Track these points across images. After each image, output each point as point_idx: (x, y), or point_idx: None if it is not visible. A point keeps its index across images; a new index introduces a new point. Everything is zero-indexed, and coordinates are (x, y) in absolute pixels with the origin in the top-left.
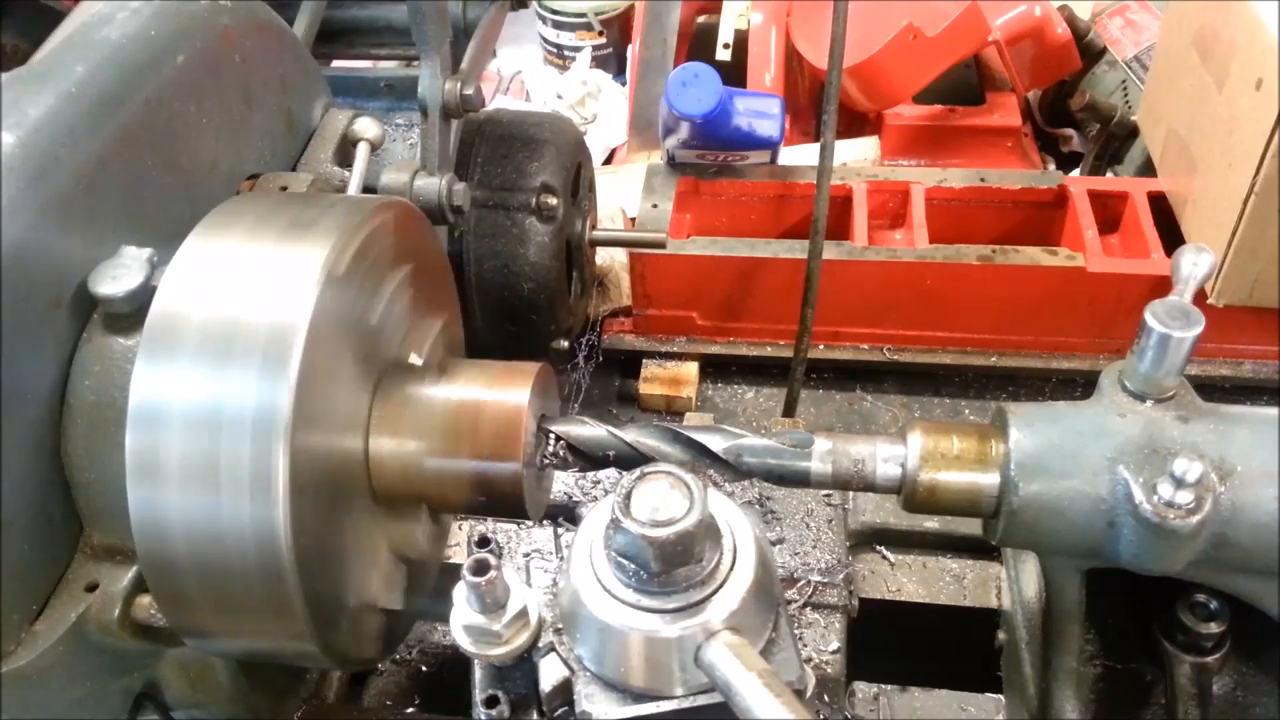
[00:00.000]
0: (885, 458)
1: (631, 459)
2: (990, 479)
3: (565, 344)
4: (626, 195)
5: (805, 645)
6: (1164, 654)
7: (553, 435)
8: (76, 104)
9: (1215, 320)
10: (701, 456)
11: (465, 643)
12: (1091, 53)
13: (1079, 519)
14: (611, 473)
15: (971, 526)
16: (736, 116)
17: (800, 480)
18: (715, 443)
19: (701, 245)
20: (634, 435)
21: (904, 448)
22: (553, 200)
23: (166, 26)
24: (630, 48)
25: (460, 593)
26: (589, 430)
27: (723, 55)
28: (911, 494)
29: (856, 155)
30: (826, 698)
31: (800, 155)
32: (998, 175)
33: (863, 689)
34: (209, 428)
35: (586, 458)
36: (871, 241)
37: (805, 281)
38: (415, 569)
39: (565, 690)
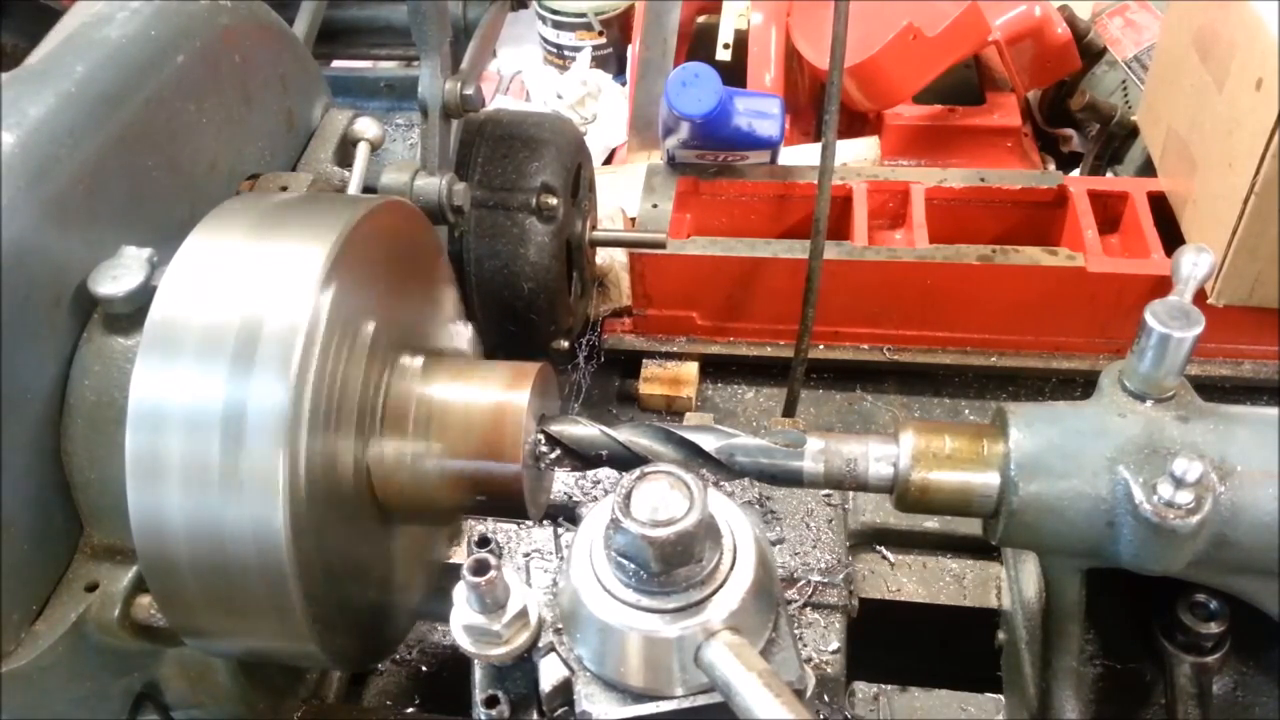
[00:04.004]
0: (877, 457)
1: (625, 459)
2: (982, 478)
3: (565, 344)
4: (626, 195)
5: (805, 645)
6: (1164, 654)
7: (546, 435)
8: (76, 104)
9: (1215, 320)
10: (694, 456)
11: (465, 643)
12: (1091, 53)
13: (1079, 519)
14: (611, 473)
15: (971, 526)
16: (736, 116)
17: (793, 480)
18: (708, 442)
19: (701, 245)
20: (627, 435)
21: (896, 447)
22: (553, 200)
23: (166, 26)
24: (630, 48)
25: (460, 593)
26: (582, 430)
27: (723, 55)
28: (903, 493)
29: (856, 155)
30: (826, 698)
31: (800, 155)
32: (998, 175)
33: (863, 689)
34: (209, 428)
35: (580, 457)
36: (871, 241)
37: (806, 281)
38: (415, 569)
39: (565, 690)
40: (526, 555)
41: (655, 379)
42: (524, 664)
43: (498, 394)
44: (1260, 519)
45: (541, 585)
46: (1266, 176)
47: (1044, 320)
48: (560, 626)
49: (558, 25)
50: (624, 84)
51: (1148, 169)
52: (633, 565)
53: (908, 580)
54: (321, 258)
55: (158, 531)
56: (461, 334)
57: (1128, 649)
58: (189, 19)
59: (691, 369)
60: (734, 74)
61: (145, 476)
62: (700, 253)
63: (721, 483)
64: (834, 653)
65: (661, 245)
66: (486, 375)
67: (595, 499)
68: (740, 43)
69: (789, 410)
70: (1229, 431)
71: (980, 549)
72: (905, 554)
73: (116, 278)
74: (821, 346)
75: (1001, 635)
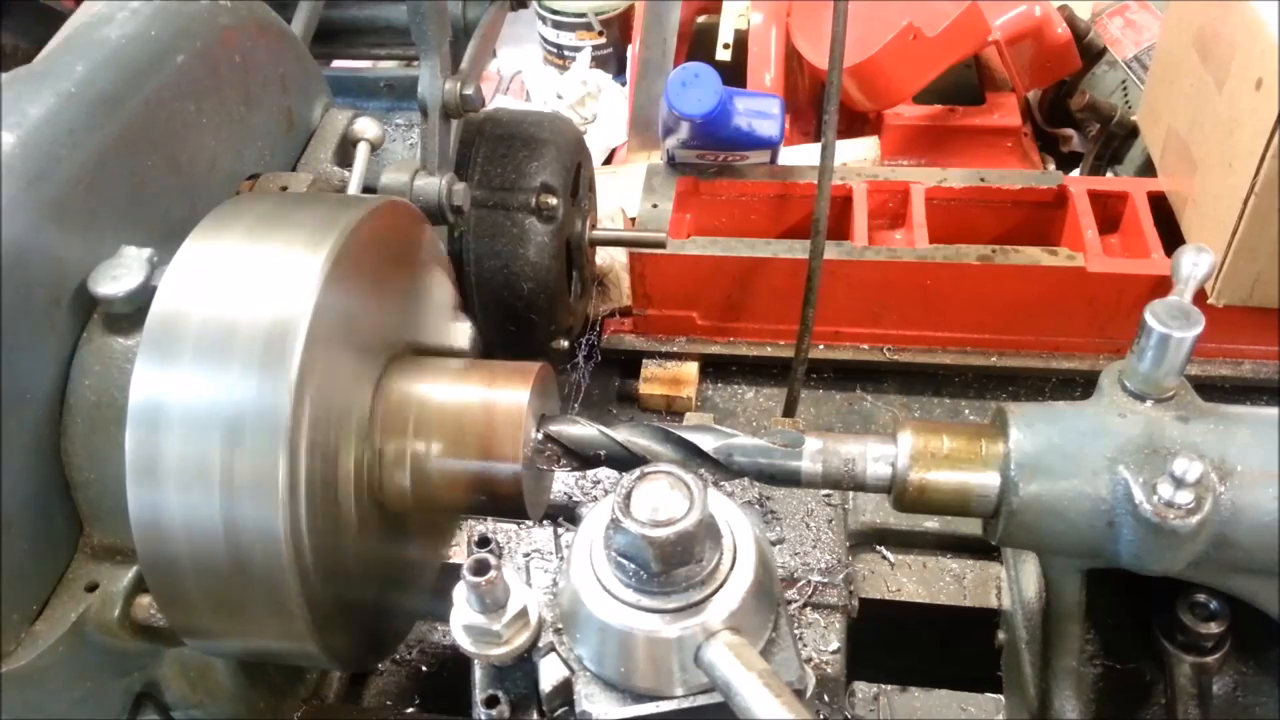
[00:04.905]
0: (875, 457)
1: (623, 459)
2: (980, 478)
3: (565, 344)
4: (626, 195)
5: (805, 645)
6: (1164, 654)
7: (544, 435)
8: (76, 104)
9: (1215, 320)
10: (692, 456)
11: (465, 643)
12: (1091, 53)
13: (1079, 519)
14: (611, 473)
15: (971, 526)
16: (736, 116)
17: (791, 480)
18: (706, 442)
19: (701, 245)
20: (625, 435)
21: (894, 447)
22: (553, 200)
23: (166, 26)
24: (630, 48)
25: (460, 593)
26: (580, 430)
27: (723, 55)
28: (901, 493)
29: (856, 155)
30: (826, 698)
31: (800, 155)
32: (998, 175)
33: (863, 689)
34: (209, 428)
35: (578, 457)
36: (871, 241)
37: (806, 281)
38: (415, 569)
39: (565, 690)
40: (526, 555)
41: (655, 379)
42: (524, 664)
43: (497, 394)
44: (1260, 519)
45: (541, 585)
46: (1266, 176)
47: (1044, 320)
48: (560, 626)
49: (558, 25)
50: (624, 84)
51: (1148, 169)
52: (633, 565)
53: (908, 580)
54: (321, 258)
55: (158, 531)
56: (462, 331)
57: (1128, 649)
58: (189, 19)
59: (691, 369)
60: (734, 74)
61: (145, 476)
62: (700, 253)
63: (721, 483)
64: (834, 653)
65: (661, 245)
66: (486, 375)
67: (595, 499)
68: (740, 43)
69: (789, 410)
70: (1229, 431)
71: (980, 549)
72: (905, 554)
73: (116, 278)
74: (821, 346)
75: (1001, 635)
